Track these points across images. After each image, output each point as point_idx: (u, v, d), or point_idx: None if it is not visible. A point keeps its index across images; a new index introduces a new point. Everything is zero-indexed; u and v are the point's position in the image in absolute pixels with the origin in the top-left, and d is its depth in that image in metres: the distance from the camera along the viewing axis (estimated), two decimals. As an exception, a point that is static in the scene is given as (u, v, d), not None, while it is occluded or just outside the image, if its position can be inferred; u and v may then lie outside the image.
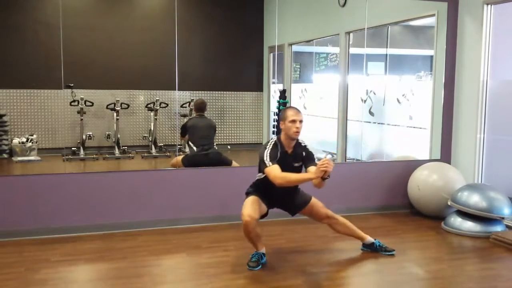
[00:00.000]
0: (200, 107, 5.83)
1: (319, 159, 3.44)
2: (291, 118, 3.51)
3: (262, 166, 3.53)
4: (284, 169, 3.45)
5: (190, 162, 5.37)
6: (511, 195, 4.70)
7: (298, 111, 3.59)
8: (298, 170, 3.63)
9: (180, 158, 5.50)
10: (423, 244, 4.39)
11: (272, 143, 3.57)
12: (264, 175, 3.55)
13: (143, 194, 4.61)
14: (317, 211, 3.80)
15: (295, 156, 3.62)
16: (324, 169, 3.26)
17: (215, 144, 5.71)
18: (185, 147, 7.27)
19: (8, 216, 4.26)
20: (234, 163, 5.42)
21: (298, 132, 3.53)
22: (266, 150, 3.52)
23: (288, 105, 6.78)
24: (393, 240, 4.27)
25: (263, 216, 3.67)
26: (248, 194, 3.70)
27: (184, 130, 5.72)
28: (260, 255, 3.66)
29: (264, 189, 3.64)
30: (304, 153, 3.63)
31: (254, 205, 3.56)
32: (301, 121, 3.53)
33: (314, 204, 3.79)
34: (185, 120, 5.83)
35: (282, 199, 3.74)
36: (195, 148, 5.50)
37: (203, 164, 5.22)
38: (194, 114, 5.82)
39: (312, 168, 3.50)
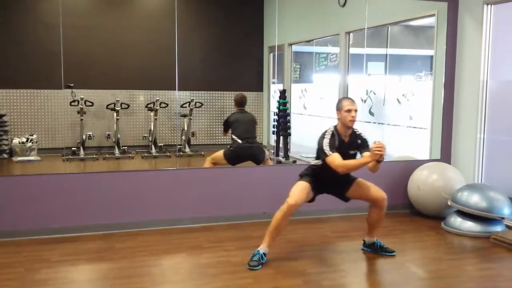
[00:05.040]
0: (241, 102, 5.96)
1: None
2: (346, 108, 3.65)
3: (321, 155, 3.65)
4: (341, 156, 3.57)
5: (234, 153, 5.49)
6: (511, 195, 4.70)
7: (352, 101, 3.71)
8: (353, 157, 3.75)
9: (221, 152, 5.51)
10: (423, 244, 4.39)
11: (330, 132, 3.69)
12: (320, 162, 3.69)
13: (143, 194, 4.61)
14: (373, 191, 3.78)
15: (351, 144, 3.74)
16: (379, 153, 3.39)
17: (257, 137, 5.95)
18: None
19: (8, 216, 4.26)
20: (267, 156, 5.70)
21: (353, 121, 3.66)
22: (325, 139, 3.65)
23: (288, 105, 6.80)
24: (393, 240, 4.27)
25: (310, 201, 3.80)
26: (302, 177, 3.80)
27: (227, 124, 5.84)
28: (261, 255, 3.67)
29: (319, 175, 3.76)
30: (359, 141, 3.76)
31: (303, 192, 3.68)
32: (356, 110, 3.66)
33: (363, 183, 3.83)
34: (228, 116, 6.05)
35: (335, 184, 3.82)
36: (239, 141, 5.61)
37: (246, 156, 5.46)
38: (235, 109, 5.95)
39: (366, 154, 3.61)
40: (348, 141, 3.74)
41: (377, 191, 3.80)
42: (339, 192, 3.89)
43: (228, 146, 5.67)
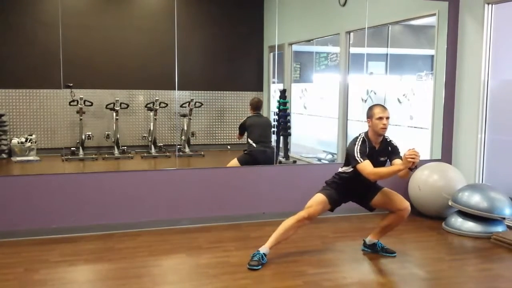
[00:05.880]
0: (257, 105, 5.97)
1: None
2: (378, 116, 3.62)
3: (352, 162, 3.62)
4: (371, 163, 3.56)
5: (250, 157, 5.53)
6: (512, 195, 4.69)
7: (384, 108, 3.68)
8: (383, 164, 3.73)
9: (234, 161, 5.52)
10: (423, 244, 4.38)
11: (361, 139, 3.67)
12: (350, 169, 3.68)
13: (142, 194, 4.60)
14: (398, 201, 3.75)
15: (382, 151, 3.72)
16: (412, 160, 3.36)
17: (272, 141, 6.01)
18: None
19: (7, 216, 4.25)
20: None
21: (385, 129, 3.63)
22: (356, 146, 3.62)
23: (288, 104, 6.79)
24: (394, 240, 4.25)
25: (329, 210, 3.79)
26: (327, 184, 3.81)
27: (243, 128, 5.86)
28: (262, 255, 3.65)
29: (346, 183, 3.76)
30: (390, 148, 3.74)
31: (318, 206, 3.70)
32: (387, 118, 3.63)
33: (388, 192, 3.81)
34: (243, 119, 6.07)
35: (361, 192, 3.82)
36: (254, 145, 5.63)
37: (261, 160, 5.48)
38: (250, 113, 5.97)
39: (397, 161, 3.61)
40: (379, 148, 3.71)
41: (402, 202, 3.76)
42: (364, 200, 3.86)
43: (243, 151, 5.70)
